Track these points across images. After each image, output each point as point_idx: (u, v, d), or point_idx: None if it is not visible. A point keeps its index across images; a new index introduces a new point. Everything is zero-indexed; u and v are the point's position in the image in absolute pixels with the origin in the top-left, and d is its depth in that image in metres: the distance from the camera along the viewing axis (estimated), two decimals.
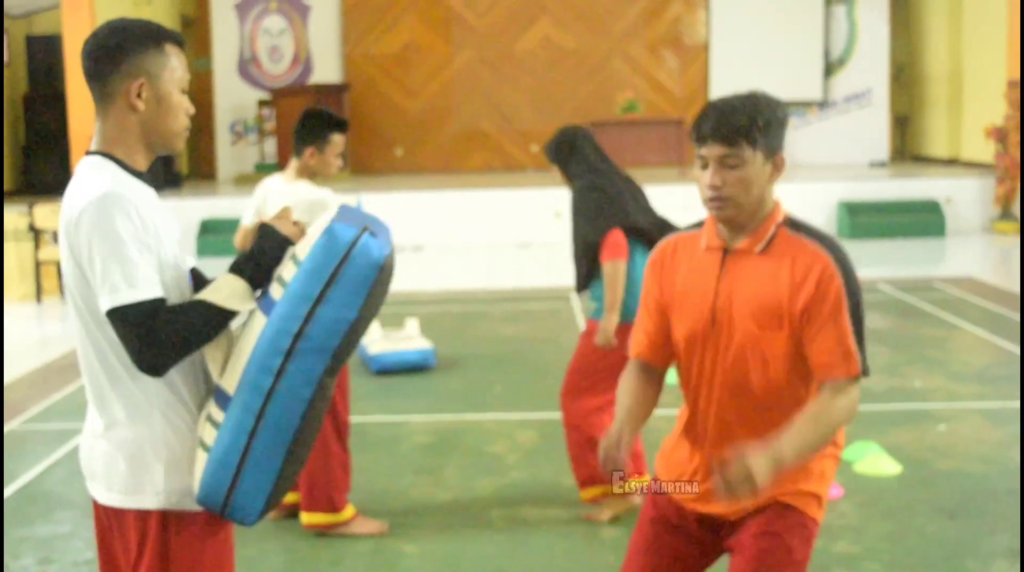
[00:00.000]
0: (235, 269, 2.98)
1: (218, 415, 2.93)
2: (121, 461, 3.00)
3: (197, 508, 3.00)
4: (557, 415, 8.05)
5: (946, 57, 20.70)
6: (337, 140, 5.95)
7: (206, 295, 2.91)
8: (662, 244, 3.50)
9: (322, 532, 5.98)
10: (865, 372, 3.27)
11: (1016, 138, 17.21)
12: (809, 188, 18.03)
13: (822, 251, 3.24)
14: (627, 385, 3.49)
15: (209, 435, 2.93)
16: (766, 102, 3.28)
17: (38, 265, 13.94)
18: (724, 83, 21.22)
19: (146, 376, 2.91)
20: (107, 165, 2.98)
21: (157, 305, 2.85)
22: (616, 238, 5.89)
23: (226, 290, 2.94)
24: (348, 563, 5.68)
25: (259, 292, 3.00)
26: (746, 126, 3.20)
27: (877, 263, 15.07)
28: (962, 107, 20.37)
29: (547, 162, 6.36)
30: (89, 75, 3.02)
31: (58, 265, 13.90)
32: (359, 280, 2.88)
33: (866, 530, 5.90)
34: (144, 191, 3.01)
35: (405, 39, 21.59)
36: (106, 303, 2.84)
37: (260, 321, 2.91)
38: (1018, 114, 17.28)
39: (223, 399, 2.92)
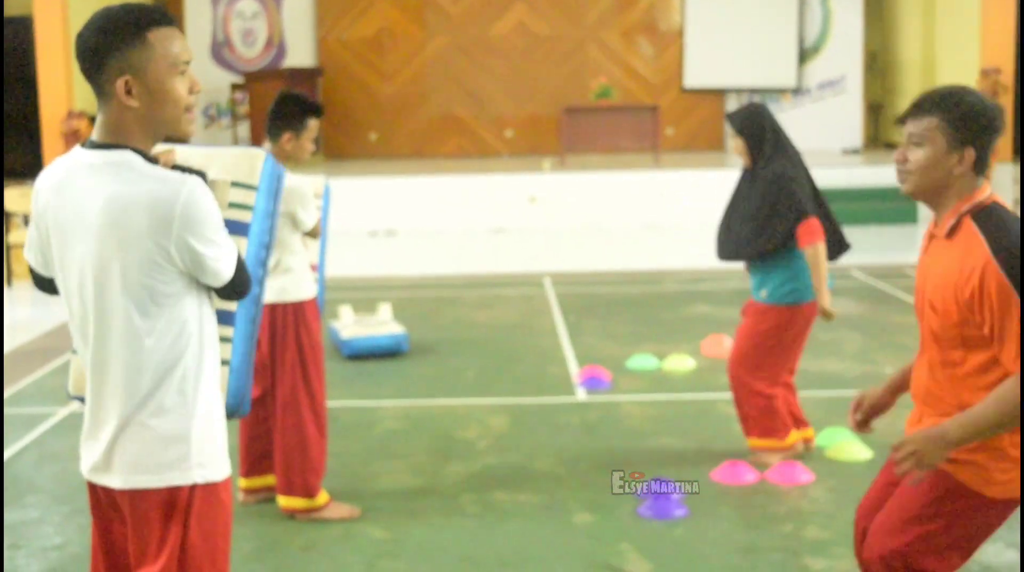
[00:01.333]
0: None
1: (227, 331, 3.30)
2: (157, 443, 3.07)
3: (219, 478, 3.16)
4: (528, 400, 8.15)
5: (919, 45, 20.75)
6: (313, 125, 5.96)
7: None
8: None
9: (295, 516, 5.97)
10: None
11: None
12: None
13: (986, 246, 3.41)
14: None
15: (224, 351, 3.29)
16: (973, 99, 3.52)
17: (8, 249, 13.85)
18: (698, 70, 21.22)
19: (190, 364, 3.11)
20: (135, 160, 3.03)
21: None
22: (814, 224, 6.35)
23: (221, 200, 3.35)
24: (320, 548, 5.67)
25: None
26: (936, 105, 3.50)
27: (850, 250, 15.08)
28: None
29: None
30: (84, 75, 3.05)
31: None
32: (273, 185, 3.43)
33: (837, 515, 5.92)
34: None
35: (379, 24, 21.51)
36: (230, 272, 3.13)
37: (242, 243, 3.29)
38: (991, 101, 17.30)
39: (228, 317, 3.30)
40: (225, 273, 3.09)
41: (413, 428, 7.59)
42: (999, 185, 17.56)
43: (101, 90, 3.03)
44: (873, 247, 15.44)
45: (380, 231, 16.97)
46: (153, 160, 3.07)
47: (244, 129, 20.27)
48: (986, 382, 3.51)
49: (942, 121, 3.49)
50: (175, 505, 3.10)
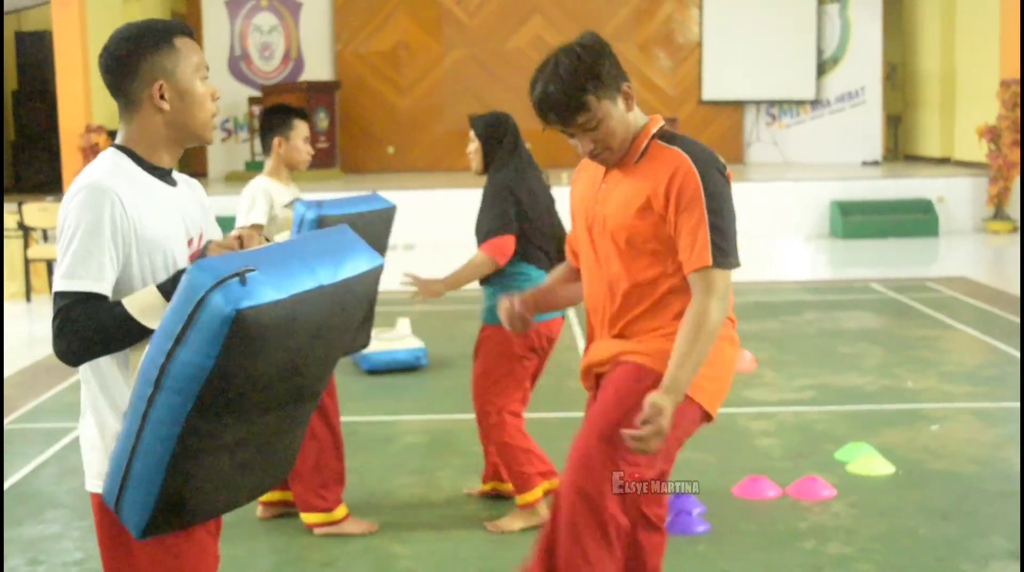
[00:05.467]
0: (162, 284, 2.94)
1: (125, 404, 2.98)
2: (87, 446, 3.12)
3: None
4: (547, 415, 8.12)
5: (939, 56, 20.71)
6: (300, 125, 6.04)
7: (127, 300, 2.92)
8: (579, 164, 3.95)
9: (318, 531, 5.96)
10: (726, 264, 3.56)
11: (1009, 138, 17.21)
12: (802, 187, 18.03)
13: (682, 152, 3.58)
14: (550, 276, 4.15)
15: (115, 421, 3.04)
16: (575, 58, 3.59)
17: (27, 263, 13.89)
18: (717, 82, 21.22)
19: (113, 366, 3.01)
20: (117, 158, 3.10)
21: (84, 298, 2.90)
22: (506, 244, 5.94)
23: (143, 302, 2.91)
24: (339, 564, 5.65)
25: None
26: (564, 102, 3.55)
27: (870, 263, 15.07)
28: (955, 106, 20.38)
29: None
30: (111, 88, 3.11)
31: (48, 263, 13.86)
32: (209, 331, 2.65)
33: (859, 531, 5.89)
34: (155, 189, 3.10)
35: (396, 37, 21.56)
36: (54, 286, 2.93)
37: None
38: (1011, 113, 17.28)
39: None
40: (54, 285, 2.95)
41: (432, 443, 7.58)
42: (1015, 197, 17.50)
43: (130, 98, 3.09)
44: (893, 260, 15.40)
45: (398, 245, 16.97)
46: (154, 168, 3.10)
47: (260, 143, 20.34)
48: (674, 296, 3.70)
49: (593, 95, 3.58)
50: (98, 509, 3.11)
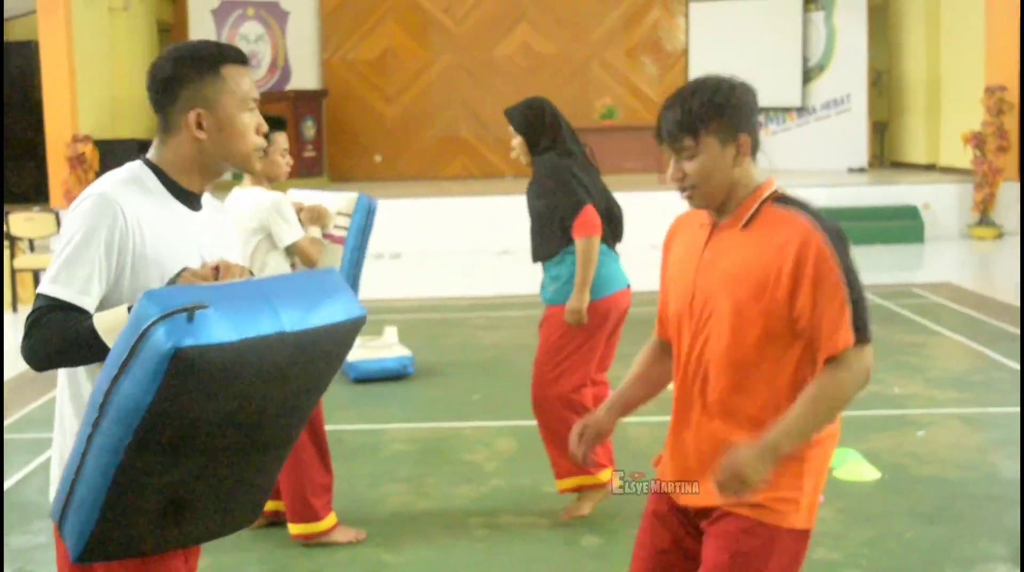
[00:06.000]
0: (132, 306, 2.75)
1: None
2: (54, 460, 3.07)
3: None
4: (535, 422, 8.06)
5: (924, 63, 20.76)
6: (279, 138, 5.90)
7: (97, 315, 2.83)
8: (673, 222, 3.57)
9: (305, 542, 5.94)
10: (861, 340, 3.15)
11: (994, 144, 17.25)
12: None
13: (807, 221, 3.19)
14: (636, 361, 3.66)
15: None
16: (715, 88, 3.28)
17: (13, 273, 13.84)
18: None
19: (83, 383, 2.96)
20: (141, 171, 3.02)
21: (61, 306, 2.84)
22: (591, 215, 5.92)
23: (110, 321, 2.80)
24: None
25: None
26: (685, 120, 3.24)
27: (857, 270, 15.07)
28: (940, 113, 20.42)
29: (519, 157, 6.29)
30: (152, 104, 3.04)
31: (34, 274, 13.82)
32: (149, 365, 2.53)
33: (846, 536, 5.90)
34: (173, 209, 3.02)
35: (384, 45, 21.56)
36: (39, 286, 2.87)
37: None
38: (995, 119, 17.33)
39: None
40: (41, 281, 2.92)
41: (420, 451, 7.57)
42: (1006, 205, 17.54)
43: (169, 121, 3.02)
44: (879, 266, 15.41)
45: (385, 253, 16.96)
46: (178, 189, 3.04)
47: None
48: (796, 380, 3.23)
49: (702, 126, 3.26)
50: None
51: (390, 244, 17.15)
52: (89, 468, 2.68)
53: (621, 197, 18.03)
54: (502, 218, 17.54)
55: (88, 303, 2.87)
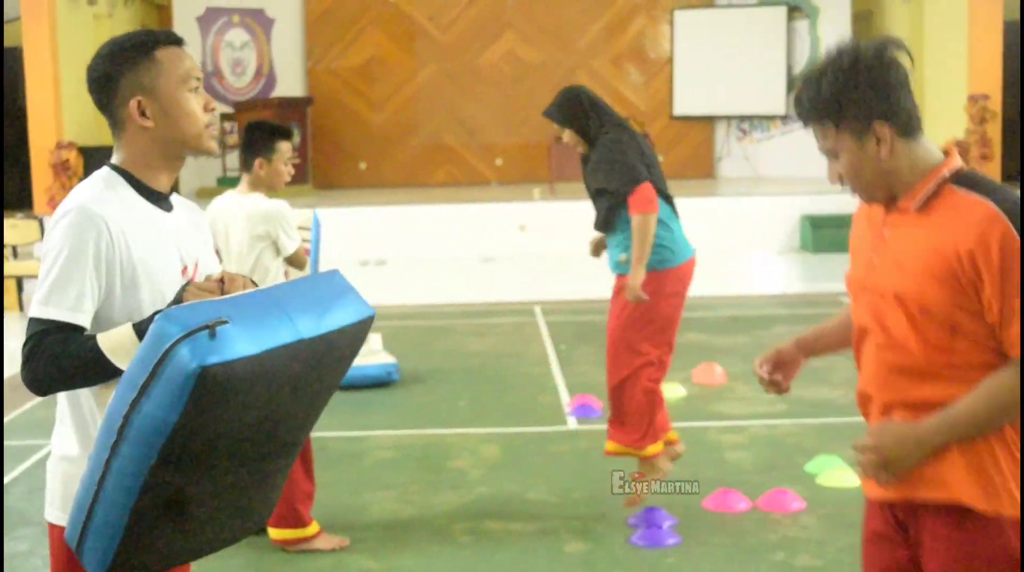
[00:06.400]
0: (138, 324, 2.80)
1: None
2: (51, 474, 3.07)
3: None
4: (520, 429, 8.14)
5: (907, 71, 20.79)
6: (284, 148, 5.96)
7: (101, 336, 2.81)
8: (857, 211, 3.28)
9: (285, 547, 5.94)
10: None
11: (977, 152, 17.30)
12: (772, 201, 18.10)
13: (991, 205, 2.84)
14: (839, 314, 3.47)
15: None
16: (837, 67, 3.01)
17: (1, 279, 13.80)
18: (688, 97, 21.28)
19: (90, 398, 2.92)
20: (111, 178, 2.99)
21: (58, 328, 2.81)
22: (647, 191, 5.97)
23: (115, 341, 2.78)
24: None
25: None
26: (810, 119, 3.07)
27: (840, 277, 14.78)
28: (923, 121, 20.37)
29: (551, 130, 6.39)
30: (97, 107, 3.02)
31: (17, 280, 13.79)
32: (175, 385, 2.52)
33: (828, 543, 5.91)
34: (148, 214, 2.98)
35: (369, 53, 21.55)
36: (30, 310, 2.84)
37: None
38: (978, 127, 17.40)
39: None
40: (31, 306, 2.86)
41: (404, 458, 7.57)
42: None
43: (115, 117, 3.00)
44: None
45: (370, 260, 16.94)
46: (149, 191, 3.01)
47: (233, 159, 20.24)
48: (968, 372, 2.92)
49: (830, 121, 3.01)
50: (57, 541, 3.03)
51: (375, 251, 17.14)
52: (110, 490, 2.65)
53: None
54: (487, 225, 17.56)
55: (83, 320, 2.84)
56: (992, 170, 17.56)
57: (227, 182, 19.21)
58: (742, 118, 21.38)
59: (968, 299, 2.86)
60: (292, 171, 6.08)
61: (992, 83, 17.70)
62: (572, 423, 8.30)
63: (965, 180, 2.94)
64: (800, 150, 20.77)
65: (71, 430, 3.00)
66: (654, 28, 21.61)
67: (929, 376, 2.95)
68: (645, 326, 6.12)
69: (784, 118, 21.28)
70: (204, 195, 19.68)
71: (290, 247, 5.87)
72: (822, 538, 5.98)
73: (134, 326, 2.78)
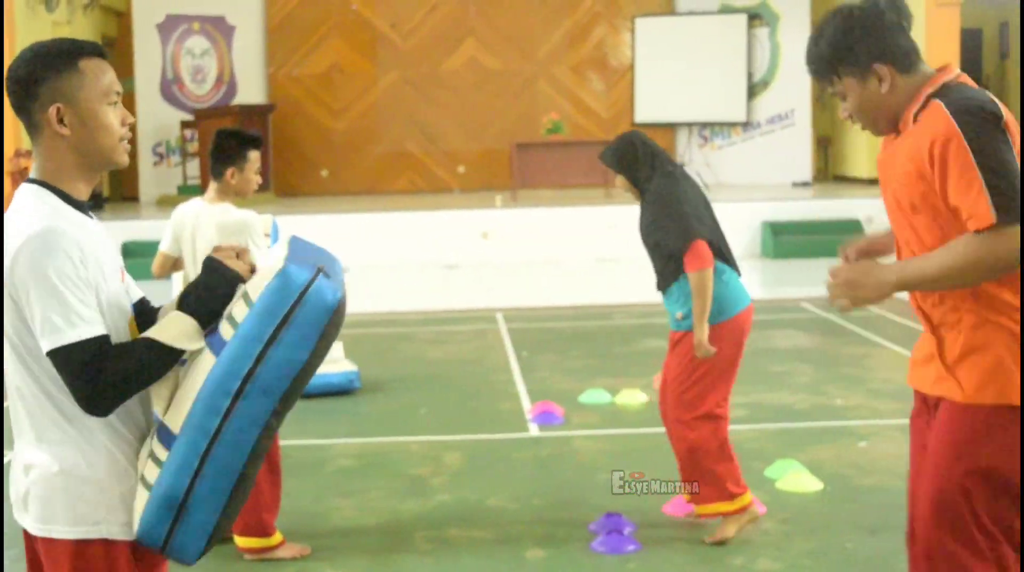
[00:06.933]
0: (183, 306, 2.92)
1: (161, 453, 2.87)
2: (61, 493, 2.96)
3: (130, 538, 2.97)
4: (481, 437, 8.15)
5: None
6: (254, 157, 5.98)
7: (154, 333, 2.87)
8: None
9: (251, 556, 5.94)
10: (1003, 221, 3.19)
11: None
12: (733, 208, 18.10)
13: (941, 105, 3.29)
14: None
15: (151, 472, 2.88)
16: (834, 28, 3.46)
17: None
18: (649, 104, 21.33)
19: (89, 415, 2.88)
20: (43, 195, 2.95)
21: (101, 342, 2.81)
22: (701, 249, 5.86)
23: (174, 329, 2.88)
24: None
25: (207, 329, 2.94)
26: (818, 68, 3.51)
27: (800, 282, 15.16)
28: None
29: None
30: (14, 109, 2.98)
31: None
32: (312, 323, 2.80)
33: (788, 547, 5.93)
34: (84, 222, 2.96)
35: (330, 60, 21.51)
36: (47, 345, 2.79)
37: (208, 360, 2.85)
38: None
39: (167, 437, 2.87)
40: (45, 343, 2.80)
41: (365, 466, 7.54)
42: None
43: (32, 121, 2.96)
44: (823, 279, 15.46)
45: None
46: (75, 202, 2.98)
47: (194, 167, 20.17)
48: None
49: (836, 68, 3.49)
50: (84, 558, 2.98)
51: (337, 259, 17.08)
52: (220, 459, 2.82)
53: (567, 212, 18.10)
54: (450, 232, 17.55)
55: (102, 326, 2.85)
56: None
57: (188, 190, 19.13)
58: (703, 125, 21.45)
59: (935, 189, 3.31)
60: (260, 180, 6.08)
61: None
62: (534, 430, 8.29)
63: (940, 92, 3.36)
64: (761, 157, 20.93)
65: (71, 446, 2.95)
66: (615, 36, 21.67)
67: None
68: (703, 378, 5.96)
69: (745, 125, 21.37)
70: (166, 203, 19.63)
71: (261, 258, 5.84)
72: (781, 542, 6.00)
73: (179, 307, 2.92)
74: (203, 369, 2.85)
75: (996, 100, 3.31)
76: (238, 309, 2.86)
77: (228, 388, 2.80)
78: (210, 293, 2.94)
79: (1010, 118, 3.29)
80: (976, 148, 3.20)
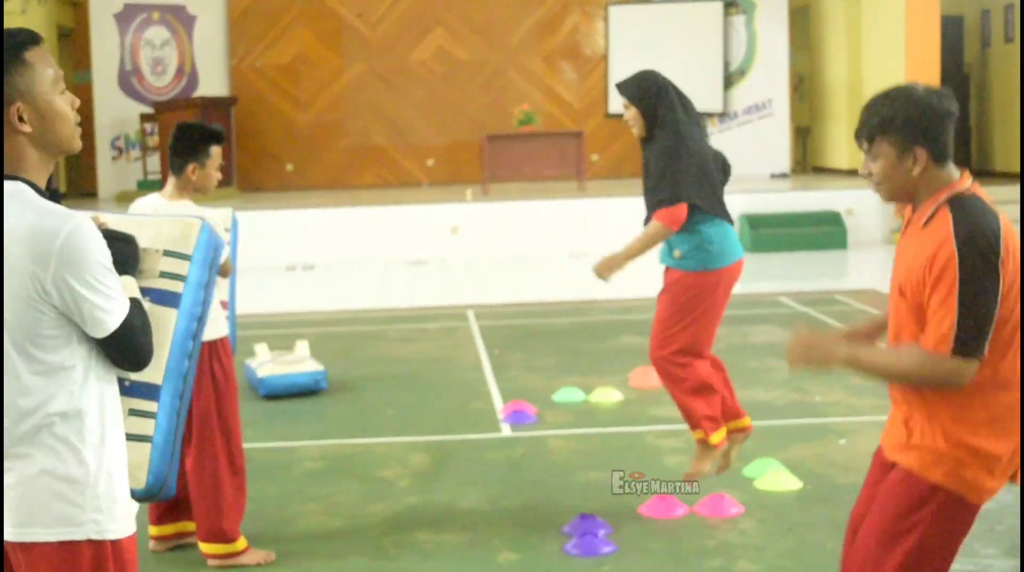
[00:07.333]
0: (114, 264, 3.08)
1: (147, 405, 3.24)
2: (56, 496, 2.93)
3: (125, 534, 3.02)
4: (452, 437, 8.08)
5: (845, 67, 20.87)
6: (216, 152, 5.84)
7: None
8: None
9: (215, 562, 5.85)
10: (959, 352, 3.47)
11: None
12: None
13: (951, 225, 3.51)
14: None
15: (141, 426, 3.23)
16: (901, 101, 3.63)
17: None
18: None
19: (87, 413, 2.95)
20: (17, 188, 2.94)
21: (134, 304, 3.08)
22: (679, 212, 6.22)
23: (129, 286, 3.13)
24: None
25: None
26: (864, 127, 3.67)
27: (779, 276, 15.13)
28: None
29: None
30: None
31: None
32: (216, 264, 3.46)
33: (767, 547, 5.89)
34: None
35: (295, 50, 21.32)
36: (114, 323, 2.95)
37: (170, 315, 3.28)
38: None
39: (149, 390, 3.25)
40: (107, 324, 2.92)
41: (332, 468, 7.45)
42: None
43: None
44: (802, 273, 15.46)
45: (298, 265, 16.80)
46: (44, 193, 2.98)
47: (154, 161, 19.94)
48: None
49: (884, 132, 3.63)
50: (70, 560, 2.95)
51: (303, 255, 16.98)
52: (188, 394, 3.37)
53: (539, 205, 17.91)
54: (419, 228, 17.45)
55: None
56: None
57: (148, 185, 18.97)
58: None
59: (926, 293, 3.55)
60: (220, 176, 5.97)
61: (930, 78, 17.80)
62: (506, 430, 8.19)
63: (955, 202, 3.56)
64: (738, 148, 20.75)
65: (63, 449, 2.94)
66: (588, 24, 21.52)
67: None
68: (695, 318, 6.32)
69: (721, 115, 21.27)
70: (125, 199, 19.41)
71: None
72: (760, 543, 5.95)
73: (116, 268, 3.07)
74: (168, 322, 3.28)
75: (1000, 222, 3.54)
76: (170, 264, 3.32)
77: (191, 330, 3.31)
78: (126, 257, 3.16)
79: (1008, 239, 3.53)
80: (964, 279, 3.45)
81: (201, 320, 3.36)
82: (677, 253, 6.34)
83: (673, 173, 6.20)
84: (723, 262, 6.32)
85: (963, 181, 3.63)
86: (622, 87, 6.41)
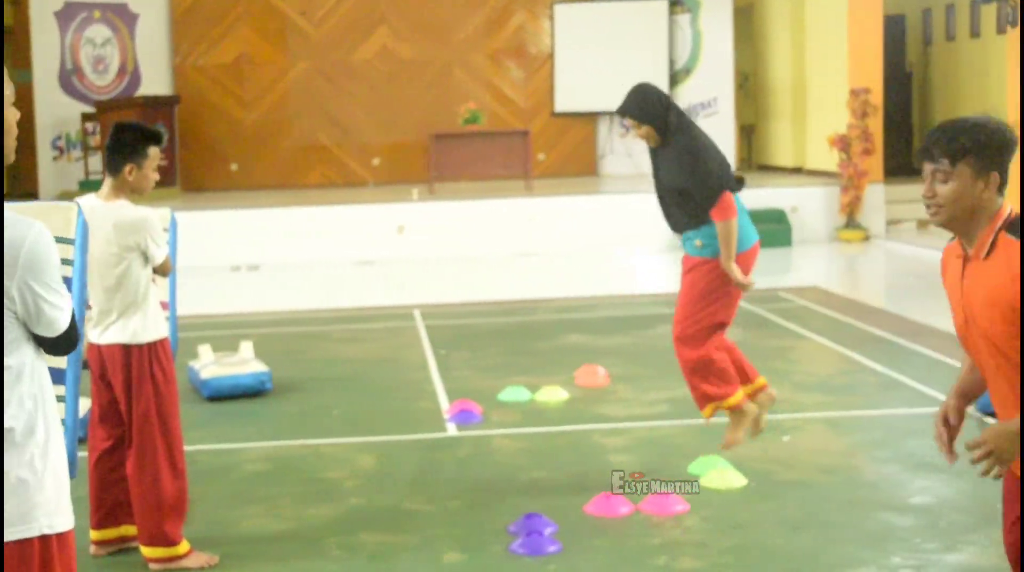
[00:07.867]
0: None
1: (60, 390, 3.36)
2: (11, 497, 2.99)
3: (69, 526, 3.11)
4: (397, 437, 8.06)
5: (789, 66, 20.96)
6: (154, 153, 5.78)
7: None
8: (942, 255, 3.90)
9: (157, 566, 5.79)
10: None
11: (859, 147, 17.48)
12: (655, 198, 18.06)
13: (1017, 244, 3.54)
14: (962, 367, 3.99)
15: (60, 410, 3.34)
16: (982, 126, 3.63)
17: None
18: (569, 93, 21.19)
19: (35, 415, 3.03)
20: None
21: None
22: (728, 200, 6.70)
23: None
24: None
25: None
26: (950, 146, 3.62)
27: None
28: (806, 116, 20.62)
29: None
30: None
31: None
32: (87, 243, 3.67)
33: (711, 545, 5.91)
34: None
35: (238, 49, 21.13)
36: (66, 321, 3.08)
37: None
38: (860, 122, 17.58)
39: (59, 375, 3.38)
40: (61, 323, 3.05)
41: (276, 470, 7.41)
42: (873, 207, 17.78)
43: None
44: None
45: (242, 266, 16.69)
46: None
47: (96, 161, 19.59)
48: None
49: (966, 154, 3.62)
50: (22, 557, 3.02)
51: (247, 256, 16.86)
52: (71, 396, 3.52)
53: (487, 205, 17.97)
54: (363, 228, 17.37)
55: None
56: (874, 164, 17.75)
57: (90, 185, 18.72)
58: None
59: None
60: (158, 176, 5.93)
61: (873, 77, 17.97)
62: (452, 429, 8.16)
63: (1012, 226, 3.61)
64: None
65: (15, 453, 3.00)
66: (534, 23, 21.48)
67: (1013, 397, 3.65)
68: (717, 300, 6.77)
69: None
70: (67, 199, 19.15)
71: (159, 257, 5.75)
72: (704, 540, 5.97)
73: None
74: None
75: None
76: (62, 250, 3.40)
77: (82, 314, 3.46)
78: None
79: None
80: None
81: (84, 302, 3.48)
82: (698, 242, 6.77)
83: (704, 170, 6.63)
84: (740, 248, 6.75)
85: (1006, 206, 3.69)
86: (627, 112, 6.69)
